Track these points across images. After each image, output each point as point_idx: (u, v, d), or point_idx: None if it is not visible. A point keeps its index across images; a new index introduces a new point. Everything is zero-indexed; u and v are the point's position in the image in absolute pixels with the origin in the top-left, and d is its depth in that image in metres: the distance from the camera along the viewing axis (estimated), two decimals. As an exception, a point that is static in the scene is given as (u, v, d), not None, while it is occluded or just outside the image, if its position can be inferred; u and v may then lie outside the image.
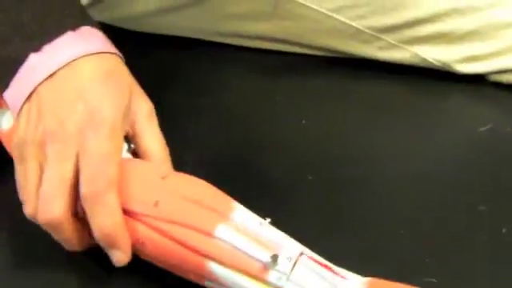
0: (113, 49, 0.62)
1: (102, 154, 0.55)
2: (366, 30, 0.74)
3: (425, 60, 0.74)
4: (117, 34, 0.78)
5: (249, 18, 0.76)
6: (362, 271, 0.54)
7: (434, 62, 0.74)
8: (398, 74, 0.75)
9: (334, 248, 0.57)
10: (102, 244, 0.56)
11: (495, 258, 0.59)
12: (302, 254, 0.51)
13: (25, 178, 0.57)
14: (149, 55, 0.78)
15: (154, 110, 0.62)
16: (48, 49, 0.59)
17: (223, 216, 0.53)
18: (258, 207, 0.55)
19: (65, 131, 0.56)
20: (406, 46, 0.74)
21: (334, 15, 0.74)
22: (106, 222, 0.54)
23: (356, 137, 0.69)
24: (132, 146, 0.60)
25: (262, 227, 0.53)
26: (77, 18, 0.61)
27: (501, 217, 0.61)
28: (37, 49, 0.58)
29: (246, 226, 0.52)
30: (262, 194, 0.62)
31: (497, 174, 0.65)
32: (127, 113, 0.59)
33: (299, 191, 0.63)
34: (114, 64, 0.61)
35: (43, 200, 0.56)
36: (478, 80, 0.74)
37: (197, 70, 0.76)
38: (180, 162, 0.61)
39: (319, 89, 0.74)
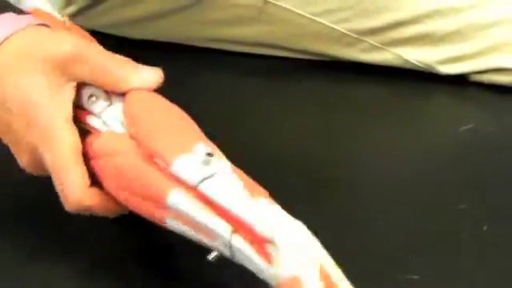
0: (25, 21, 0.57)
1: (37, 151, 0.54)
2: (350, 33, 0.75)
3: (407, 61, 0.75)
4: (103, 40, 0.79)
5: (234, 23, 0.77)
6: (346, 269, 0.54)
7: (417, 64, 0.75)
8: (380, 76, 0.75)
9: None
10: None
11: (477, 255, 0.59)
12: (233, 233, 0.50)
13: None
14: (132, 59, 0.78)
15: (85, 48, 0.57)
16: None
17: (159, 203, 0.51)
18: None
19: (9, 133, 0.55)
20: (388, 48, 0.75)
21: (318, 19, 0.75)
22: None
23: (339, 138, 0.70)
24: (93, 97, 0.56)
25: (200, 204, 0.50)
26: None
27: (482, 215, 0.62)
28: None
29: (184, 209, 0.51)
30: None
31: (478, 172, 0.66)
32: (56, 83, 0.55)
33: (282, 193, 0.64)
34: (21, 43, 0.56)
35: None
36: (459, 80, 0.75)
37: (181, 74, 0.77)
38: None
39: (303, 92, 0.75)
